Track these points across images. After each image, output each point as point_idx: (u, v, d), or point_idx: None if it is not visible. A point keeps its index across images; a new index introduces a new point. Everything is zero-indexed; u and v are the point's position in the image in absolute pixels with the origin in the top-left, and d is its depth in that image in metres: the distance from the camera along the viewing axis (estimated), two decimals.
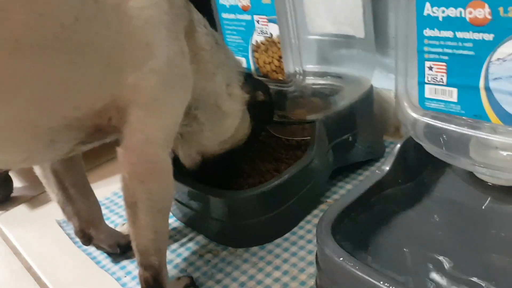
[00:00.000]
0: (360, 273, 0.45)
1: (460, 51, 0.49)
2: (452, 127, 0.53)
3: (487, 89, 0.48)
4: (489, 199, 0.58)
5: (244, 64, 0.75)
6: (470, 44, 0.48)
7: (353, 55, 0.78)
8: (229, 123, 0.64)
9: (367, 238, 0.56)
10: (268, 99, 0.69)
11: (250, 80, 0.67)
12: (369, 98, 0.77)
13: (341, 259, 0.47)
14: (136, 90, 0.46)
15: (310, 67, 0.77)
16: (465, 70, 0.49)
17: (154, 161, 0.49)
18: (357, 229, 0.55)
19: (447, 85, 0.51)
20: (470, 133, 0.52)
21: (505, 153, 0.53)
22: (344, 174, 0.78)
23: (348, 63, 0.79)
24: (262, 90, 0.68)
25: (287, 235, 0.67)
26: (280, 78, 0.71)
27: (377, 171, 0.61)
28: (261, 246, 0.65)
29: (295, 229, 0.68)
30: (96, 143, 0.52)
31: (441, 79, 0.51)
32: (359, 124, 0.76)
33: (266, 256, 0.63)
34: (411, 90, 0.56)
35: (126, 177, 0.48)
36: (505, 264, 0.50)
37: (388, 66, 0.83)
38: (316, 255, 0.54)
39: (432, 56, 0.51)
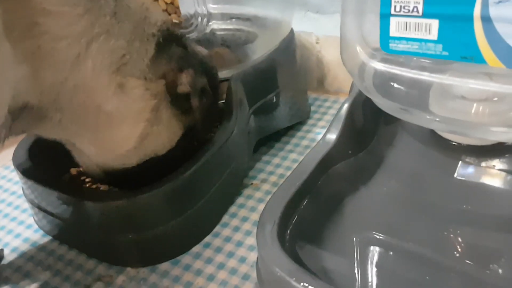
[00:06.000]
0: None
1: None
2: (409, 72, 0.40)
3: (485, 19, 0.33)
4: (460, 163, 0.46)
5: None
6: None
7: None
8: (126, 131, 0.42)
9: (315, 234, 0.43)
10: (202, 84, 0.46)
11: (171, 48, 0.43)
12: (291, 45, 0.62)
13: (303, 284, 0.33)
14: None
15: (212, 7, 0.58)
16: None
17: None
18: (304, 225, 0.42)
19: (424, 15, 0.36)
20: (436, 79, 0.40)
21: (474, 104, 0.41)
22: (267, 145, 0.63)
23: (261, 1, 0.62)
24: (191, 65, 0.44)
25: (207, 238, 0.49)
26: (175, 21, 0.50)
27: (321, 142, 0.47)
28: (174, 261, 0.47)
29: (217, 228, 0.51)
30: None
31: (415, 7, 0.36)
32: (282, 79, 0.59)
33: (183, 275, 0.46)
34: (368, 28, 0.40)
35: None
36: (497, 250, 0.38)
37: (307, 2, 0.67)
38: (257, 269, 0.39)
39: None
